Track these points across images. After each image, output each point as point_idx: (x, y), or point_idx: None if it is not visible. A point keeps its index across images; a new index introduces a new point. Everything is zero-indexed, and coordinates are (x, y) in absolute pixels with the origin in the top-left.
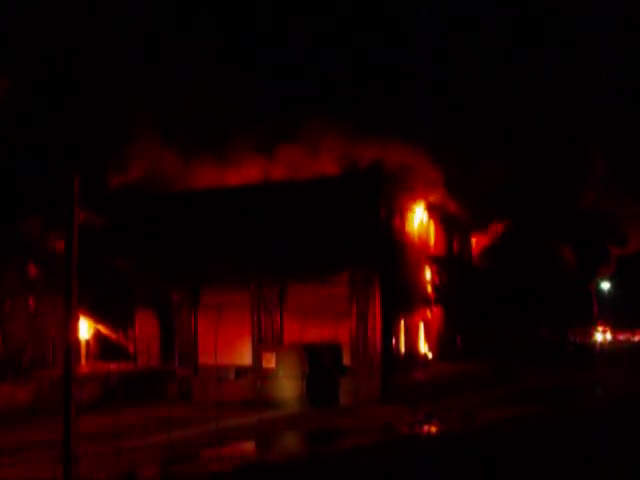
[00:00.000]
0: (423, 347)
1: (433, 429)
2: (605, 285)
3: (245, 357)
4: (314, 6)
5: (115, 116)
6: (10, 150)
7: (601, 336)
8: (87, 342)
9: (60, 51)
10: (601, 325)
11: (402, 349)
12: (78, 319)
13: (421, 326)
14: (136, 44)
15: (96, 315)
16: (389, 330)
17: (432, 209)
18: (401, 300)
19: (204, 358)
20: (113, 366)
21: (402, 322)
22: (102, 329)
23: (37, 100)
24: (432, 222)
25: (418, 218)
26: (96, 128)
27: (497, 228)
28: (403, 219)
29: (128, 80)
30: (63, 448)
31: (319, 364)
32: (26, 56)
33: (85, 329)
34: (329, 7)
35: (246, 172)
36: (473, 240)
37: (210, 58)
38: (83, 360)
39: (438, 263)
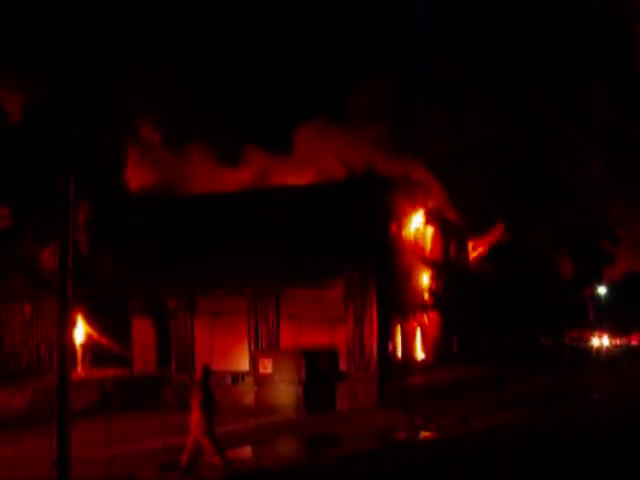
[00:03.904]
0: (420, 352)
1: (430, 434)
2: (602, 290)
3: (241, 363)
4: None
5: (112, 121)
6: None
7: (597, 341)
8: (83, 347)
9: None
10: (597, 330)
11: (399, 354)
12: (74, 324)
13: (418, 331)
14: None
15: (92, 320)
16: (386, 335)
17: (429, 214)
18: (397, 305)
19: (201, 364)
20: (109, 372)
21: (398, 327)
22: (98, 335)
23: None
24: (429, 227)
25: (415, 223)
26: (93, 130)
27: (494, 233)
28: (399, 224)
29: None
30: (58, 453)
31: (316, 369)
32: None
33: (81, 334)
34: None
35: (242, 177)
36: (470, 245)
37: (205, 54)
38: (79, 366)
39: (435, 268)
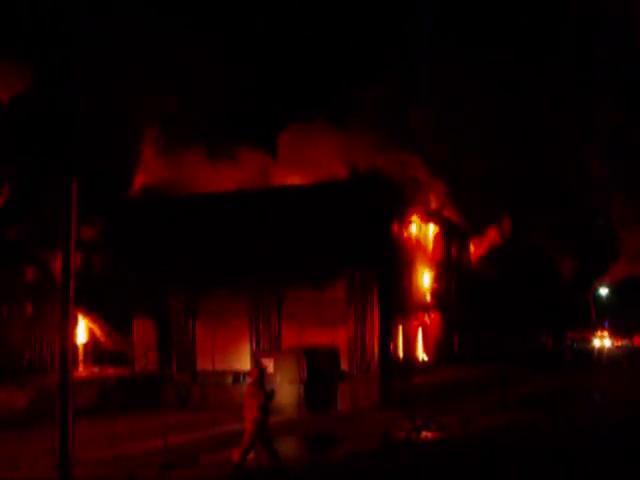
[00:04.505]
0: (421, 352)
1: (431, 435)
2: (603, 291)
3: (243, 362)
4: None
5: (116, 121)
6: (9, 153)
7: (599, 341)
8: (85, 347)
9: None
10: (599, 331)
11: (400, 354)
12: (76, 324)
13: (419, 331)
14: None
15: (94, 320)
16: (387, 335)
17: (431, 215)
18: (399, 305)
19: (202, 364)
20: (111, 371)
21: (400, 327)
22: (100, 334)
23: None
24: (430, 228)
25: (417, 224)
26: (95, 130)
27: (495, 234)
28: (402, 225)
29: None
30: (59, 452)
31: (317, 369)
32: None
33: (83, 334)
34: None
35: (244, 177)
36: (471, 246)
37: (209, 51)
38: (81, 365)
39: (436, 269)
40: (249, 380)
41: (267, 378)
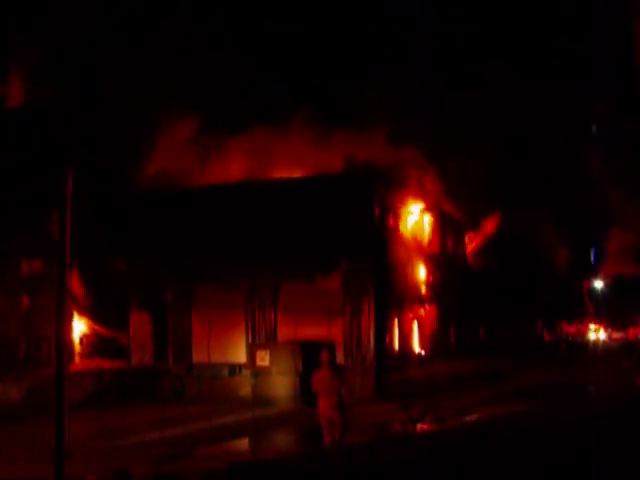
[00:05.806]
0: (417, 345)
1: (427, 427)
2: (599, 284)
3: (239, 355)
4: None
5: (112, 111)
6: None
7: (595, 335)
8: (81, 339)
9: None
10: (595, 324)
11: (396, 347)
12: (71, 317)
13: (415, 324)
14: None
15: (90, 312)
16: (383, 328)
17: (426, 207)
18: (395, 298)
19: (198, 356)
20: (107, 364)
21: (396, 320)
22: (96, 326)
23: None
24: (426, 221)
25: (412, 217)
26: (92, 123)
27: (490, 226)
28: (397, 217)
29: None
30: (54, 446)
31: (313, 362)
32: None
33: (79, 326)
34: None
35: (238, 170)
36: (467, 238)
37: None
38: (77, 357)
39: (432, 261)
40: (323, 362)
41: (263, 370)
